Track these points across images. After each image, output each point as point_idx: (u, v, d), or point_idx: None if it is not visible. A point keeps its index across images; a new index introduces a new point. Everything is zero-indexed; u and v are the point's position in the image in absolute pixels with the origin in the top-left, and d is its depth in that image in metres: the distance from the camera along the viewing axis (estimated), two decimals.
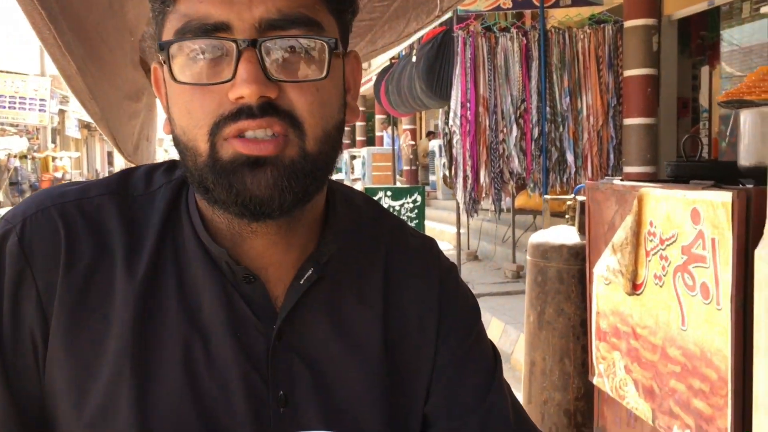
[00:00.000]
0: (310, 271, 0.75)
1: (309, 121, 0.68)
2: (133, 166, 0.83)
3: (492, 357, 0.87)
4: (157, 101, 0.89)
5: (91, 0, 1.32)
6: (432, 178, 14.41)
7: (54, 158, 20.84)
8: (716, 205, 1.85)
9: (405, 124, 15.10)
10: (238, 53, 0.65)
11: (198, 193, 0.73)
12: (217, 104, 0.66)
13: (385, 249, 0.84)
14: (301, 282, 0.75)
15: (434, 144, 12.94)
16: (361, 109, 19.09)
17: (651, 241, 2.16)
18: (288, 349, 0.74)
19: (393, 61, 8.94)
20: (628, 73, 5.20)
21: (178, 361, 0.71)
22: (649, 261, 2.18)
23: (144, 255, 0.72)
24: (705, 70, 7.92)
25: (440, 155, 7.81)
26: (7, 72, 23.83)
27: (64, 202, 0.74)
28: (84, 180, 0.81)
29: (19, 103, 23.26)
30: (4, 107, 23.27)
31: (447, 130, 6.98)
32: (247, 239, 0.74)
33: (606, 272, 2.39)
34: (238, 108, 0.66)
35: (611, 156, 6.18)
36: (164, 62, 0.68)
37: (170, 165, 0.81)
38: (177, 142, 0.71)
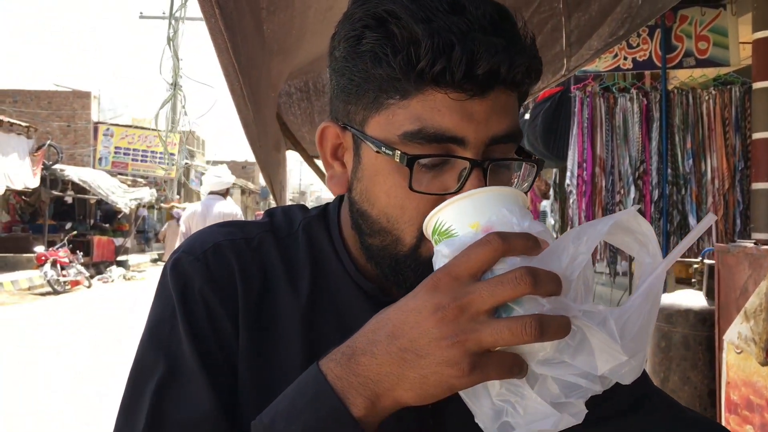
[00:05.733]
0: None
1: None
2: (269, 208, 0.93)
3: None
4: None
5: (254, 58, 1.45)
6: None
7: (177, 209, 22.07)
8: None
9: None
10: (469, 170, 0.70)
11: (381, 270, 0.78)
12: (432, 208, 0.69)
13: None
14: None
15: (545, 204, 12.77)
16: None
17: None
18: None
19: None
20: (756, 135, 4.97)
21: None
22: None
23: (303, 280, 0.81)
24: None
25: (550, 215, 7.69)
26: (141, 128, 25.70)
27: (233, 239, 0.83)
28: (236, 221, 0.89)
29: (150, 156, 24.97)
30: (137, 160, 25.07)
31: (558, 191, 6.90)
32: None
33: (737, 340, 2.28)
34: None
35: (737, 221, 5.89)
36: (388, 153, 0.71)
37: (301, 206, 0.91)
38: (371, 220, 0.76)
